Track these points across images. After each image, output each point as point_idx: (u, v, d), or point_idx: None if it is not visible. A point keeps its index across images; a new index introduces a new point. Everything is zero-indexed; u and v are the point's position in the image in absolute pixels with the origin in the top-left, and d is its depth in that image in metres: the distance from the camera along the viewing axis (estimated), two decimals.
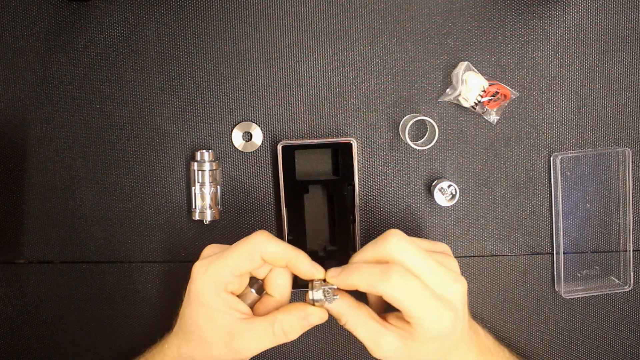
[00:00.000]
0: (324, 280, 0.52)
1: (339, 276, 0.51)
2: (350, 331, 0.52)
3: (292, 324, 0.51)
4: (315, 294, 0.51)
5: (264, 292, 0.55)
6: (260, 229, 0.66)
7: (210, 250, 0.55)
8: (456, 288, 0.51)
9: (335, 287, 0.52)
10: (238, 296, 0.53)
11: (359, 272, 0.50)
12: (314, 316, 0.52)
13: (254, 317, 0.52)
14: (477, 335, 0.57)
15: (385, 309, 0.54)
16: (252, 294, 0.54)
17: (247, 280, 0.54)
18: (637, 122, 0.67)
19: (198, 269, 0.52)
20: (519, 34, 0.66)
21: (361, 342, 0.52)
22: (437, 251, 0.55)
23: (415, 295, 0.49)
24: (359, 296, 0.53)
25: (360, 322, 0.52)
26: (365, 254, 0.52)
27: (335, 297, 0.51)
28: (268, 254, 0.51)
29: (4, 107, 0.66)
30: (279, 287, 0.53)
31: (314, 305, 0.52)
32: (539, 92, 0.66)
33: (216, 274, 0.51)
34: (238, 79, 0.66)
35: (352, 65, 0.66)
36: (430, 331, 0.50)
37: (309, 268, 0.51)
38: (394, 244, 0.50)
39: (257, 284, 0.54)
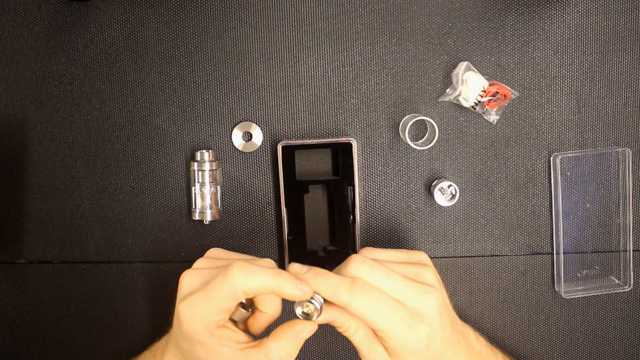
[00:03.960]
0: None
1: (304, 274, 0.50)
2: (349, 336, 0.52)
3: (286, 348, 0.50)
4: (301, 308, 0.50)
5: (254, 307, 0.53)
6: (260, 229, 0.67)
7: (189, 281, 0.51)
8: (428, 300, 0.50)
9: (322, 300, 0.50)
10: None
11: (326, 279, 0.50)
12: (304, 332, 0.51)
13: (250, 347, 0.50)
14: (466, 339, 0.57)
15: None
16: (241, 311, 0.53)
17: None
18: (637, 122, 0.67)
19: (184, 312, 0.50)
20: (519, 34, 0.66)
21: (355, 346, 0.52)
22: (412, 262, 0.54)
23: (379, 307, 0.49)
24: None
25: (359, 330, 0.51)
26: (329, 280, 0.51)
27: (321, 305, 0.50)
28: (250, 290, 0.49)
29: (4, 107, 0.66)
30: (269, 302, 0.52)
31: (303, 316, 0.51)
32: (539, 92, 0.66)
33: (203, 318, 0.49)
34: (238, 79, 0.66)
35: (352, 65, 0.66)
36: (404, 345, 0.50)
37: (294, 291, 0.49)
38: (353, 270, 0.50)
39: (246, 300, 0.53)
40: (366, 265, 0.51)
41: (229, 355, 0.50)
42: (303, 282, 0.50)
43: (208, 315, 0.49)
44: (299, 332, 0.50)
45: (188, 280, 0.52)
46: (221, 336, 0.50)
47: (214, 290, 0.49)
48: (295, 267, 0.51)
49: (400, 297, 0.50)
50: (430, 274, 0.53)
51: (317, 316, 0.50)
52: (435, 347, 0.51)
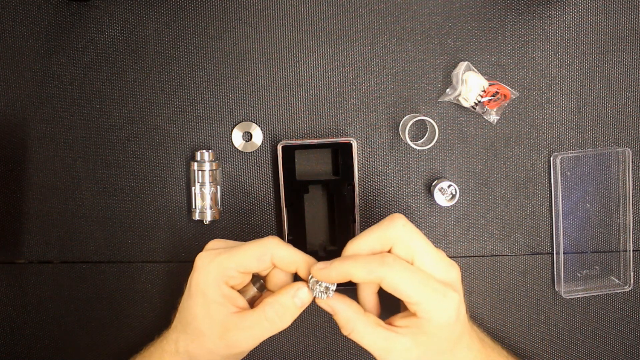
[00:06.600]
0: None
1: (330, 267, 0.50)
2: (356, 341, 0.51)
3: (282, 303, 0.51)
4: (311, 287, 0.51)
5: (265, 289, 0.55)
6: (260, 229, 0.67)
7: (215, 244, 0.55)
8: (454, 271, 0.52)
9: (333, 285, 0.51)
10: (239, 291, 0.54)
11: (355, 260, 0.50)
12: (302, 291, 0.51)
13: (247, 310, 0.52)
14: (475, 332, 0.58)
15: (380, 310, 0.54)
16: (254, 290, 0.54)
17: (250, 277, 0.54)
18: (637, 122, 0.67)
19: (202, 259, 0.52)
20: (519, 34, 0.66)
21: (369, 351, 0.51)
22: None
23: (415, 278, 0.49)
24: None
25: (367, 331, 0.51)
26: (370, 235, 0.51)
27: (331, 291, 0.51)
28: (279, 258, 0.51)
29: (4, 107, 0.66)
30: (281, 283, 0.54)
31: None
32: (539, 92, 0.66)
33: (220, 266, 0.51)
34: (238, 79, 0.66)
35: (352, 65, 0.66)
36: (437, 317, 0.50)
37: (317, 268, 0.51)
38: (401, 225, 0.51)
39: (259, 282, 0.55)
40: (411, 224, 0.51)
41: (221, 318, 0.51)
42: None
43: (226, 265, 0.51)
44: (298, 290, 0.52)
45: (214, 243, 0.55)
46: (226, 294, 0.51)
47: (244, 248, 0.52)
48: (318, 265, 0.51)
49: (433, 265, 0.51)
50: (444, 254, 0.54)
51: (324, 297, 0.51)
52: (460, 324, 0.52)
